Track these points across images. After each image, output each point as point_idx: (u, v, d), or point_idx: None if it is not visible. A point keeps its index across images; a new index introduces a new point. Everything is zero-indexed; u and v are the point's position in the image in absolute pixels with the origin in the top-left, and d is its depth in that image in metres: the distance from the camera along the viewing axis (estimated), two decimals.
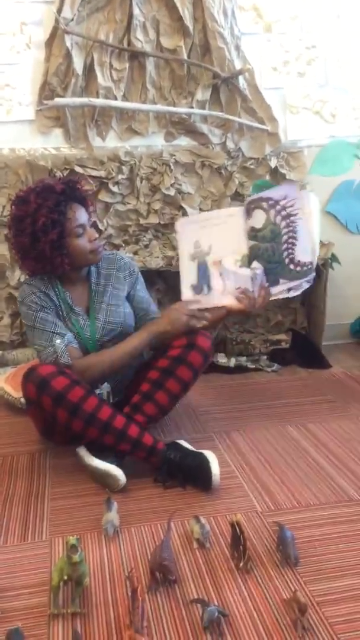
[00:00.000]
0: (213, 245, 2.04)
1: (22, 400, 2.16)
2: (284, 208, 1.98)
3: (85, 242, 1.89)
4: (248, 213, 2.02)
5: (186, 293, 2.06)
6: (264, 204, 2.00)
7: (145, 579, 1.34)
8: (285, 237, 1.99)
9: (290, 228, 1.98)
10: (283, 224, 1.99)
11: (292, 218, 1.97)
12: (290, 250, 2.00)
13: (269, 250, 2.01)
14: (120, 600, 1.29)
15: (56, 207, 1.82)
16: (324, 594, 1.29)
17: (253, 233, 2.01)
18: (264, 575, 1.35)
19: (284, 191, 1.99)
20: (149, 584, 1.32)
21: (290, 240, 1.99)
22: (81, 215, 1.89)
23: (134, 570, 1.32)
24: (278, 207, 1.98)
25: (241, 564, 1.36)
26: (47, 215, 1.80)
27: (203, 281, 2.05)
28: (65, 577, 1.24)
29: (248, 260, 2.02)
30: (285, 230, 1.98)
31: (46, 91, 2.60)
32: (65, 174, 2.61)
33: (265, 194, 2.03)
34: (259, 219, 2.00)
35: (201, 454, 1.77)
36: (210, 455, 1.75)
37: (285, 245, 1.99)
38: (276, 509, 1.62)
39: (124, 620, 1.22)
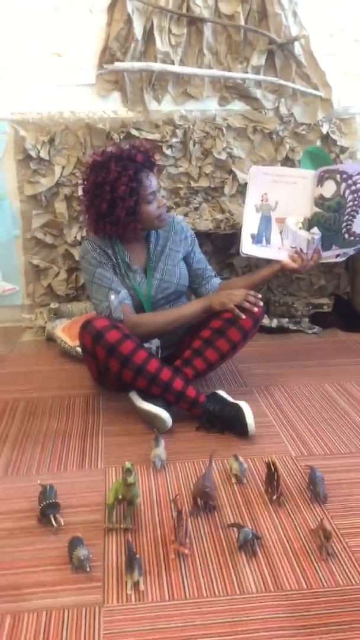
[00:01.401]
0: (280, 203, 2.18)
1: (78, 348, 2.35)
2: (355, 183, 2.09)
3: (154, 208, 2.03)
4: (320, 181, 2.13)
5: (246, 240, 2.19)
6: (338, 177, 2.11)
7: (189, 505, 1.51)
8: (349, 210, 2.11)
9: (356, 202, 2.10)
10: (350, 197, 2.11)
11: (359, 193, 2.08)
12: (349, 222, 2.12)
13: (331, 219, 2.13)
14: (166, 521, 1.47)
15: (135, 176, 1.95)
16: (348, 527, 1.43)
17: (320, 201, 2.13)
18: (294, 509, 1.51)
19: (359, 167, 2.09)
20: (192, 509, 1.49)
21: (352, 212, 2.12)
22: (154, 183, 2.02)
23: (178, 496, 1.49)
24: (350, 181, 2.09)
25: (274, 497, 1.51)
26: (127, 183, 1.93)
27: (263, 233, 2.19)
28: (120, 497, 1.42)
29: (308, 225, 2.14)
30: (351, 203, 2.11)
31: (106, 56, 2.70)
32: (122, 137, 2.73)
33: (341, 167, 2.15)
34: (329, 189, 2.12)
35: (237, 405, 1.91)
36: (245, 406, 1.89)
37: (347, 217, 2.12)
38: (309, 455, 1.77)
39: (169, 537, 1.40)
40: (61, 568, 1.32)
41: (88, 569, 1.30)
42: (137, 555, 1.28)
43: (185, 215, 2.83)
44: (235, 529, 1.40)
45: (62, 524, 1.45)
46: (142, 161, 1.98)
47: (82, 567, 1.30)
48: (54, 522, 1.44)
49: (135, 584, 1.26)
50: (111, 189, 1.94)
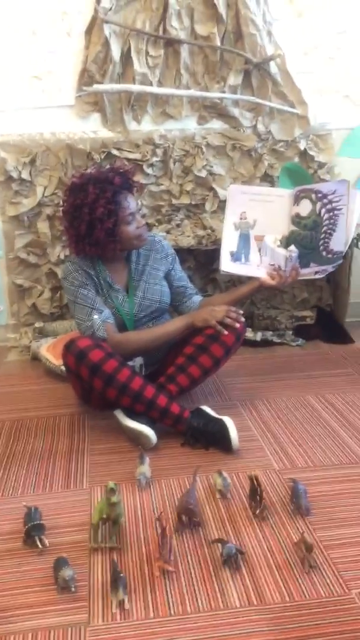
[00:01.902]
0: (258, 221, 2.22)
1: (63, 367, 2.36)
2: (330, 202, 2.14)
3: (134, 228, 2.06)
4: (296, 199, 2.18)
5: (225, 257, 2.23)
6: (313, 196, 2.16)
7: (173, 522, 1.53)
8: (325, 228, 2.16)
9: (332, 221, 2.14)
10: (326, 216, 2.15)
11: (335, 212, 2.14)
12: (326, 240, 2.17)
13: (308, 237, 2.18)
14: (151, 538, 1.48)
15: (113, 198, 1.98)
16: (330, 540, 1.45)
17: (297, 219, 2.18)
18: (278, 523, 1.53)
19: (335, 187, 2.15)
20: (176, 526, 1.51)
21: (329, 231, 2.16)
22: (132, 204, 2.06)
23: (163, 513, 1.50)
24: (325, 200, 2.14)
25: (257, 511, 1.53)
26: (105, 205, 1.97)
27: (242, 251, 2.23)
28: (104, 516, 1.44)
29: (286, 242, 2.18)
30: (327, 222, 2.15)
31: (85, 78, 2.74)
32: (102, 157, 2.77)
33: (316, 186, 2.19)
34: (305, 207, 2.17)
35: (221, 420, 1.93)
36: (228, 422, 1.91)
37: (323, 235, 2.16)
38: (292, 468, 1.79)
39: (154, 554, 1.41)
40: (47, 589, 1.33)
41: (73, 589, 1.31)
42: (122, 574, 1.29)
43: (168, 232, 2.86)
44: (219, 545, 1.41)
45: (47, 545, 1.46)
46: (119, 183, 2.01)
47: (68, 587, 1.31)
48: (39, 544, 1.45)
49: (120, 603, 1.27)
50: (89, 211, 1.97)
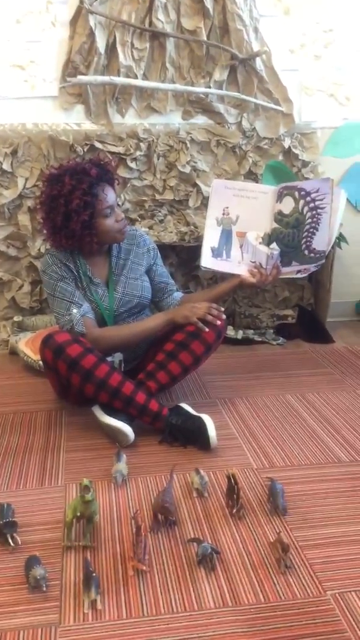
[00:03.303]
0: (240, 217, 2.20)
1: (41, 363, 2.32)
2: (313, 200, 2.11)
3: (112, 221, 2.02)
4: (279, 197, 2.16)
5: (206, 253, 2.20)
6: (296, 193, 2.13)
7: (149, 521, 1.50)
8: (307, 227, 2.13)
9: (315, 219, 2.12)
10: (309, 214, 2.13)
11: (318, 210, 2.12)
12: (309, 239, 2.15)
13: (290, 235, 2.15)
14: (125, 537, 1.46)
15: (89, 190, 1.94)
16: (306, 540, 1.44)
17: (279, 217, 2.15)
18: (254, 522, 1.51)
19: (318, 185, 2.13)
20: (152, 525, 1.48)
21: (311, 229, 2.14)
22: (111, 197, 2.02)
23: (139, 512, 1.48)
24: (308, 198, 2.11)
25: (234, 511, 1.51)
26: (80, 197, 1.93)
27: (224, 247, 2.20)
28: (78, 514, 1.41)
29: (268, 240, 2.16)
30: (310, 220, 2.13)
31: (69, 69, 2.71)
32: (85, 149, 2.73)
33: (299, 184, 2.17)
34: (288, 205, 2.14)
35: (200, 417, 1.91)
36: (207, 419, 1.89)
37: (305, 234, 2.14)
38: (270, 467, 1.78)
39: (129, 553, 1.38)
40: (18, 588, 1.30)
41: (45, 589, 1.28)
42: (94, 574, 1.26)
43: (150, 227, 2.83)
44: (194, 544, 1.39)
45: (20, 543, 1.43)
46: (97, 175, 1.97)
47: (39, 586, 1.28)
48: (10, 542, 1.42)
49: (93, 603, 1.24)
50: (65, 202, 1.94)
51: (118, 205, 2.78)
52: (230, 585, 1.30)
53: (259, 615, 1.21)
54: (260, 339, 2.92)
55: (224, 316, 2.05)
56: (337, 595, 1.26)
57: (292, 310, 3.07)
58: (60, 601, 1.26)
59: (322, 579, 1.31)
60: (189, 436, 1.89)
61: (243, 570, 1.35)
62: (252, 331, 2.97)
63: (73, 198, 1.93)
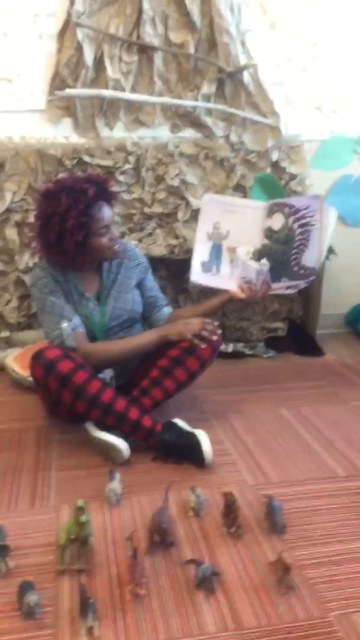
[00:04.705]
0: (231, 232, 2.19)
1: (30, 378, 2.28)
2: (303, 217, 2.11)
3: (106, 240, 1.99)
4: (269, 213, 2.15)
5: (196, 267, 2.18)
6: (286, 210, 2.13)
7: (145, 542, 1.46)
8: (297, 243, 2.13)
9: (304, 236, 2.12)
10: (298, 231, 2.12)
11: (308, 227, 2.11)
12: (298, 255, 2.14)
13: (279, 252, 2.15)
14: (121, 559, 1.42)
15: (86, 210, 1.90)
16: (307, 559, 1.41)
17: (269, 233, 2.14)
18: (253, 541, 1.48)
19: (308, 202, 2.13)
20: (148, 547, 1.44)
21: (301, 246, 2.13)
22: (107, 215, 1.98)
23: (135, 532, 1.44)
24: (298, 215, 2.11)
25: (232, 530, 1.48)
26: (76, 217, 1.89)
27: (214, 262, 2.19)
28: (72, 537, 1.36)
29: (258, 255, 2.15)
30: (299, 237, 2.12)
31: (57, 82, 2.68)
32: (74, 163, 2.71)
33: (289, 200, 2.17)
34: (277, 221, 2.14)
35: (193, 433, 1.88)
36: (202, 435, 1.86)
37: (295, 250, 2.13)
38: (267, 483, 1.75)
39: (125, 577, 1.34)
40: (10, 615, 1.26)
41: (39, 616, 1.23)
42: (91, 599, 1.22)
43: (139, 241, 2.81)
44: (193, 566, 1.35)
45: (11, 567, 1.38)
46: (94, 195, 1.94)
47: (33, 613, 1.23)
48: (2, 566, 1.37)
49: (89, 630, 1.20)
50: (60, 221, 1.90)
51: (115, 222, 2.76)
52: (230, 607, 1.26)
53: (261, 638, 1.18)
54: (250, 352, 2.90)
55: (219, 331, 2.02)
56: (340, 616, 1.23)
57: (282, 323, 3.06)
58: (56, 628, 1.22)
59: (324, 600, 1.28)
60: (183, 453, 1.86)
61: (243, 592, 1.31)
62: (242, 344, 2.94)
63: (68, 217, 1.89)
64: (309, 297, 3.05)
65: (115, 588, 1.33)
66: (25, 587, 1.27)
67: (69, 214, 1.89)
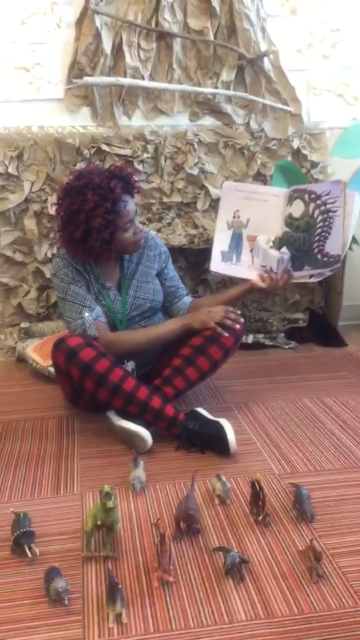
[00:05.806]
0: (251, 220, 2.15)
1: (50, 368, 2.27)
2: (324, 204, 2.06)
3: (131, 234, 1.97)
4: (290, 200, 2.11)
5: (216, 257, 2.15)
6: (306, 197, 2.08)
7: (171, 529, 1.44)
8: (319, 230, 2.08)
9: (327, 223, 2.07)
10: (320, 218, 2.07)
11: (330, 214, 2.06)
12: (320, 243, 2.09)
13: (300, 240, 2.10)
14: (147, 546, 1.40)
15: (113, 208, 1.88)
16: (337, 547, 1.38)
17: (289, 220, 2.10)
18: (281, 530, 1.45)
19: (329, 188, 2.07)
20: (174, 534, 1.42)
21: (323, 233, 2.08)
22: (132, 209, 1.96)
23: (160, 520, 1.41)
24: (319, 202, 2.06)
25: (260, 518, 1.45)
26: (103, 215, 1.85)
27: (234, 250, 2.15)
28: (99, 523, 1.34)
29: (279, 244, 2.11)
30: (321, 224, 2.07)
31: (75, 70, 2.67)
32: (92, 152, 2.69)
33: (310, 186, 2.12)
34: (298, 208, 2.09)
35: (218, 422, 1.85)
36: (225, 424, 1.83)
37: (317, 238, 2.08)
38: (292, 472, 1.72)
39: (152, 564, 1.32)
40: (37, 602, 1.24)
41: (66, 602, 1.21)
42: (119, 585, 1.20)
43: (158, 230, 2.78)
44: (221, 553, 1.33)
45: (38, 554, 1.36)
46: (121, 192, 1.90)
47: (60, 600, 1.21)
48: (28, 553, 1.35)
49: (118, 616, 1.18)
50: (86, 219, 1.86)
51: (137, 213, 2.74)
52: (261, 596, 1.23)
53: (294, 627, 1.15)
54: (271, 343, 2.86)
55: (242, 320, 1.99)
56: None
57: (303, 314, 3.02)
58: (84, 615, 1.20)
59: (358, 589, 1.25)
60: (207, 441, 1.83)
61: (273, 580, 1.28)
62: (262, 335, 2.91)
63: (95, 215, 1.85)
64: (330, 287, 3.01)
65: (143, 575, 1.30)
66: (52, 573, 1.25)
67: (96, 212, 1.85)
